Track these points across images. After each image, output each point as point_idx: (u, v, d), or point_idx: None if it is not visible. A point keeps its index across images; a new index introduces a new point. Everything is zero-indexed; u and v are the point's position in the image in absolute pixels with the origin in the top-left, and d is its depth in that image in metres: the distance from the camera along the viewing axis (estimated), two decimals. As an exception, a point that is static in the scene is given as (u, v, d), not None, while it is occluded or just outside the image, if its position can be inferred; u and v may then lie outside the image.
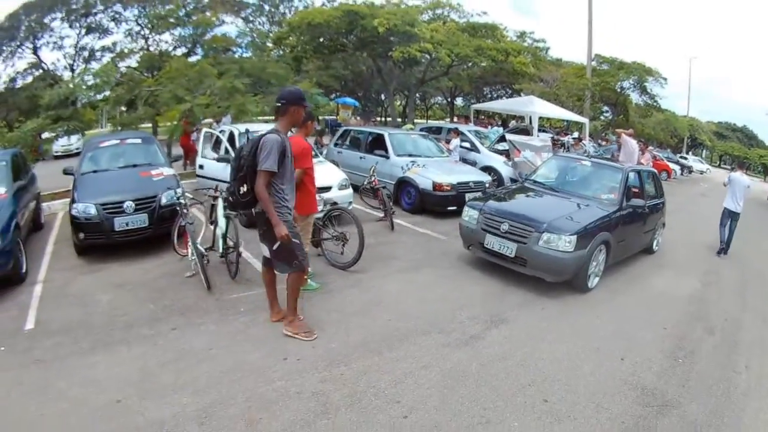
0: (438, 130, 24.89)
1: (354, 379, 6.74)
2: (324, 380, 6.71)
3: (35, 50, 49.94)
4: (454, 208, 14.89)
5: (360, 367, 7.07)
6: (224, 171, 13.74)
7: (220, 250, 10.35)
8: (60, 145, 33.08)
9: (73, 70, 50.39)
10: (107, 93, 23.64)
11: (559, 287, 10.08)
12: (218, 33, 35.16)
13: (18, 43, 49.81)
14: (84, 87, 22.99)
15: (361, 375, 6.85)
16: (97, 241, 11.58)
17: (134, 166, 13.51)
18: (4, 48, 49.71)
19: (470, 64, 39.01)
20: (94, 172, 13.25)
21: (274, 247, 7.39)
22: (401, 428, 5.80)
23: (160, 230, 11.69)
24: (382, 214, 14.36)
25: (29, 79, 51.51)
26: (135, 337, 8.07)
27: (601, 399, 6.61)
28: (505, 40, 41.02)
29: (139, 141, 15.18)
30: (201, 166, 16.06)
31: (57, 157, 34.58)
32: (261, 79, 25.82)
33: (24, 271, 10.99)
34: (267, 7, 48.63)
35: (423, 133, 21.39)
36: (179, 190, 11.54)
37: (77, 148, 36.69)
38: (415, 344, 7.68)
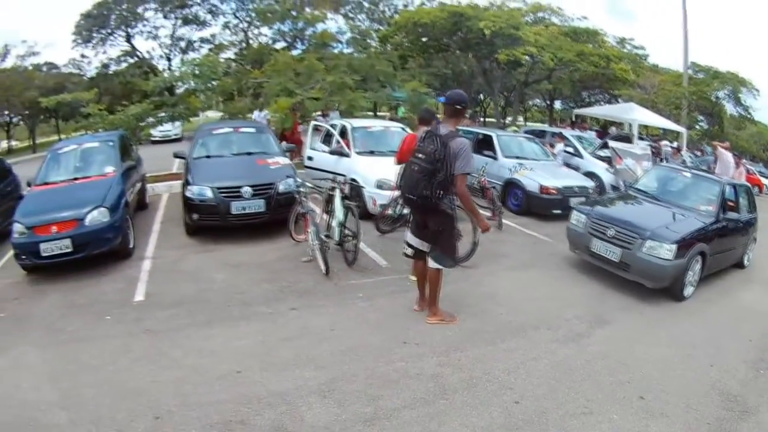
0: (541, 134, 24.87)
1: (470, 365, 7.05)
2: (441, 364, 7.04)
3: (129, 38, 51.42)
4: (559, 211, 14.89)
5: (475, 354, 7.37)
6: (336, 163, 14.40)
7: (337, 238, 10.67)
8: (159, 130, 33.61)
9: (169, 60, 51.79)
10: (214, 82, 24.15)
11: (655, 294, 10.10)
12: (318, 29, 35.60)
13: (109, 31, 51.36)
14: (192, 75, 23.75)
15: (477, 362, 7.15)
16: (211, 223, 12.25)
17: (249, 153, 14.06)
18: (95, 35, 51.29)
19: (572, 68, 38.73)
20: (208, 157, 13.94)
21: (440, 243, 7.86)
22: (513, 412, 6.09)
23: (276, 216, 12.16)
24: (490, 213, 14.64)
25: (123, 65, 53.29)
26: (254, 314, 8.58)
27: (691, 400, 6.74)
28: (606, 46, 40.74)
29: (252, 130, 15.65)
30: (310, 158, 16.46)
31: (155, 142, 35.34)
32: (369, 76, 26.18)
33: (132, 246, 11.79)
34: (366, 5, 49.15)
35: (529, 135, 21.52)
36: (299, 179, 12.01)
37: (176, 134, 38.75)
38: (526, 337, 7.95)
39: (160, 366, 7.17)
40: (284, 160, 13.58)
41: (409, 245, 8.30)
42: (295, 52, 34.30)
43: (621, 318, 9.13)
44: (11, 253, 12.01)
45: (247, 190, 11.97)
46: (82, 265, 10.81)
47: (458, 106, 7.66)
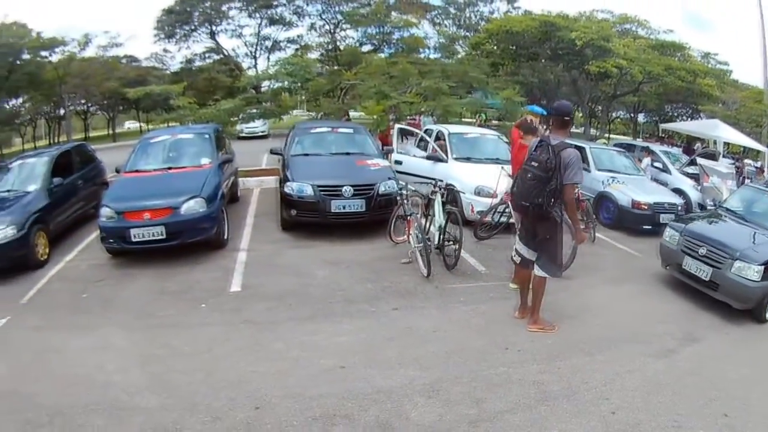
0: (630, 147, 24.60)
1: (569, 374, 7.02)
2: (542, 371, 7.03)
3: (213, 35, 52.12)
4: (649, 227, 14.73)
5: (574, 363, 7.34)
6: (432, 168, 14.27)
7: (436, 242, 10.62)
8: (246, 127, 34.03)
9: (255, 58, 52.37)
10: (309, 82, 24.22)
11: (739, 315, 9.82)
12: (406, 34, 35.64)
13: (192, 27, 52.15)
14: (286, 74, 23.74)
15: (575, 371, 7.12)
16: (310, 220, 12.33)
17: (347, 154, 14.21)
18: (178, 31, 52.15)
19: (659, 82, 38.16)
20: (306, 155, 13.99)
21: (547, 251, 7.94)
22: (610, 422, 6.08)
23: (375, 217, 12.25)
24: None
25: (207, 61, 54.06)
26: (357, 312, 8.59)
27: (771, 419, 6.65)
28: (692, 61, 40.14)
29: (350, 131, 15.71)
30: (398, 162, 16.23)
31: (240, 138, 35.43)
32: (462, 83, 26.06)
33: (226, 237, 12.01)
34: (452, 11, 49.10)
35: (621, 149, 21.24)
36: (401, 182, 12.03)
37: (262, 131, 39.37)
38: (621, 350, 7.87)
39: (261, 357, 7.29)
40: (383, 162, 13.63)
41: (518, 252, 8.29)
42: (381, 56, 34.27)
43: (708, 336, 8.99)
44: (93, 235, 12.60)
45: (348, 190, 12.02)
46: (172, 253, 11.06)
47: (566, 117, 7.86)
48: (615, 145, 23.76)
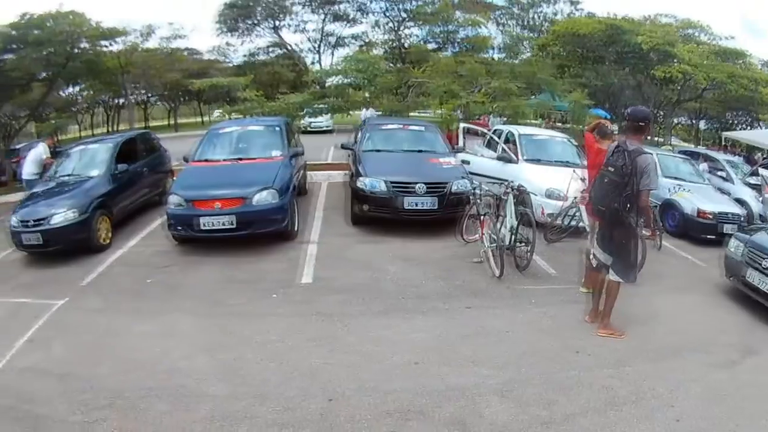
0: (693, 155, 24.23)
1: (637, 380, 6.93)
2: (611, 376, 6.96)
3: (276, 30, 52.37)
4: (712, 237, 14.30)
5: (641, 369, 7.24)
6: (501, 169, 14.14)
7: (507, 242, 10.38)
8: (310, 121, 34.09)
9: (319, 54, 52.59)
10: (377, 79, 24.17)
11: None
12: (470, 33, 35.52)
13: (255, 22, 52.45)
14: (356, 70, 23.77)
15: (642, 377, 7.02)
16: (382, 215, 12.30)
17: (419, 151, 14.23)
18: (240, 24, 52.50)
19: (722, 89, 37.61)
20: (377, 151, 14.02)
21: (623, 255, 7.82)
22: (675, 429, 6.03)
23: (447, 215, 12.06)
24: (649, 232, 14.17)
25: (270, 56, 54.43)
26: (430, 309, 8.50)
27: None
28: (753, 68, 39.56)
29: (421, 128, 15.66)
30: (466, 162, 15.78)
31: (305, 132, 35.64)
32: (531, 84, 25.80)
33: (296, 229, 12.02)
34: (516, 11, 48.87)
35: (685, 156, 20.86)
36: (475, 182, 11.88)
37: (327, 126, 39.27)
38: (685, 359, 7.76)
39: (334, 349, 7.30)
40: (455, 161, 13.57)
41: (595, 256, 8.25)
42: (445, 54, 34.19)
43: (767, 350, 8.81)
44: (157, 222, 12.92)
45: (421, 187, 11.95)
46: (240, 243, 11.23)
47: (641, 123, 7.77)
48: (680, 152, 23.42)
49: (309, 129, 36.67)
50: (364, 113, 26.27)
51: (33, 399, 6.58)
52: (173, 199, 11.15)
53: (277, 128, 14.14)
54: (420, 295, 9.03)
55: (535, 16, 50.77)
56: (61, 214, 11.46)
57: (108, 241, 12.33)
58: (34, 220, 11.59)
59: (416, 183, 11.94)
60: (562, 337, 7.93)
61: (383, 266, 10.34)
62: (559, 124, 32.39)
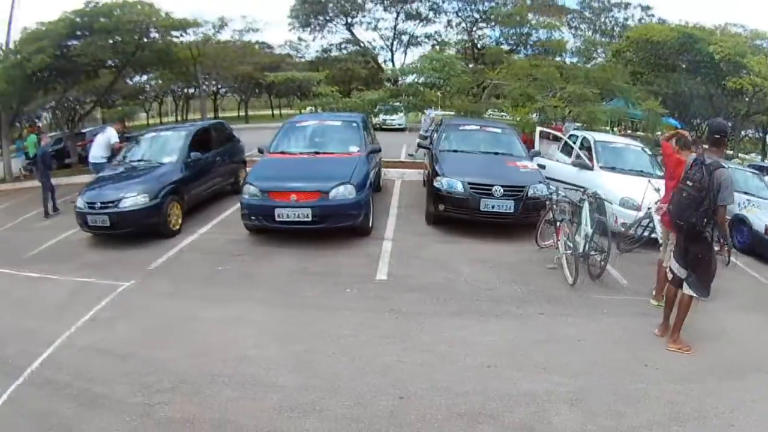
0: (759, 169, 23.68)
1: (701, 397, 6.80)
2: (677, 392, 6.84)
3: (349, 27, 52.53)
4: None
5: (706, 387, 7.10)
6: (577, 175, 14.02)
7: (581, 250, 10.25)
8: (383, 119, 34.11)
9: (392, 52, 52.65)
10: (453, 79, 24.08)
11: None
12: (543, 36, 35.27)
13: (327, 18, 52.66)
14: (432, 69, 23.60)
15: (707, 394, 6.89)
16: (458, 216, 12.22)
17: (496, 153, 14.09)
18: (312, 20, 52.73)
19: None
20: (455, 151, 13.98)
21: (699, 270, 7.71)
22: None
23: (523, 219, 12.06)
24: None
25: (343, 52, 54.67)
26: (504, 313, 8.44)
27: None
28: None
29: (499, 131, 15.53)
30: (542, 166, 15.61)
31: (376, 129, 35.97)
32: (605, 90, 25.47)
33: (371, 225, 12.08)
34: (588, 14, 48.41)
35: (755, 171, 20.39)
36: (552, 187, 11.76)
37: (399, 124, 39.43)
38: (749, 379, 7.51)
39: (407, 347, 7.30)
40: (532, 165, 13.45)
41: (671, 269, 8.14)
42: (518, 56, 33.93)
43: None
44: (229, 211, 13.12)
45: (498, 189, 11.82)
46: (314, 236, 11.41)
47: (719, 135, 7.67)
48: (749, 167, 22.94)
49: (383, 126, 36.56)
50: (428, 114, 26.18)
51: (92, 377, 6.69)
52: (249, 190, 11.26)
53: (356, 124, 14.17)
54: (494, 298, 8.93)
55: (607, 21, 50.27)
56: (132, 198, 11.74)
57: (179, 227, 12.60)
58: (102, 203, 11.90)
59: (494, 185, 11.82)
60: (632, 349, 7.84)
61: (458, 267, 10.27)
62: (633, 132, 31.83)
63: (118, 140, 16.94)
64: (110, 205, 11.81)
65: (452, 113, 25.25)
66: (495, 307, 8.63)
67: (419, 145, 15.50)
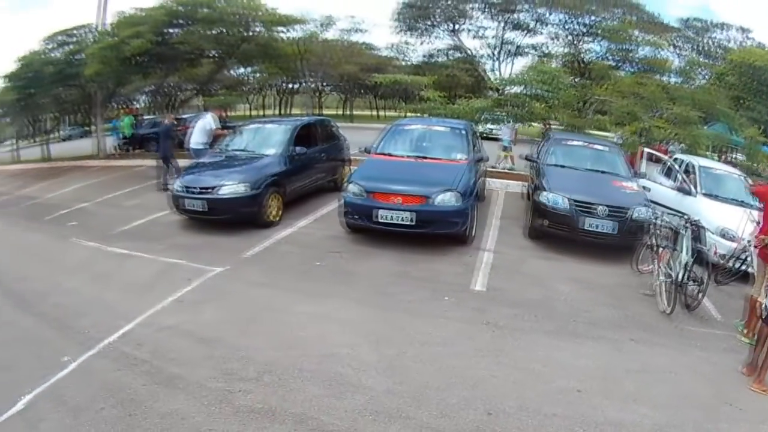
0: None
1: None
2: None
3: (455, 33, 52.42)
4: None
5: None
6: (678, 200, 13.70)
7: (679, 278, 9.79)
8: (486, 127, 33.95)
9: (497, 61, 52.38)
10: (559, 92, 23.80)
11: None
12: (647, 54, 34.68)
13: (433, 23, 52.60)
14: (539, 81, 23.40)
15: None
16: (559, 232, 12.01)
17: (602, 172, 13.83)
18: (418, 24, 52.74)
19: None
20: (561, 166, 13.76)
21: None
22: None
23: (623, 241, 11.71)
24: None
25: (448, 58, 54.67)
26: (599, 337, 8.26)
27: None
28: None
29: (605, 149, 15.33)
30: (646, 188, 15.10)
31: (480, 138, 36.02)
32: (708, 114, 24.89)
33: (472, 235, 12.01)
34: (690, 34, 47.59)
35: None
36: (656, 211, 11.52)
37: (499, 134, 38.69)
38: None
39: (500, 363, 7.16)
40: (637, 186, 13.13)
41: (765, 307, 7.75)
42: (621, 73, 33.38)
43: None
44: (329, 208, 13.32)
45: (602, 209, 11.63)
46: (414, 240, 11.39)
47: None
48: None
49: (489, 135, 36.13)
50: (508, 125, 25.84)
51: (172, 357, 6.85)
52: (352, 188, 11.35)
53: (463, 131, 14.04)
54: (590, 321, 8.77)
55: (709, 41, 49.30)
56: (231, 186, 11.96)
57: (278, 218, 12.88)
58: (200, 188, 12.19)
59: (598, 204, 11.61)
60: (719, 386, 7.54)
61: (556, 285, 10.13)
62: (734, 159, 30.97)
63: (216, 126, 17.32)
64: (209, 190, 12.07)
65: (534, 125, 25.20)
66: (590, 329, 8.48)
67: (526, 158, 15.23)
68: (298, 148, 13.91)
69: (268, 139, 14.49)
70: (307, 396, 6.00)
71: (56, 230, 14.27)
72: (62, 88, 33.58)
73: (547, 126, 26.17)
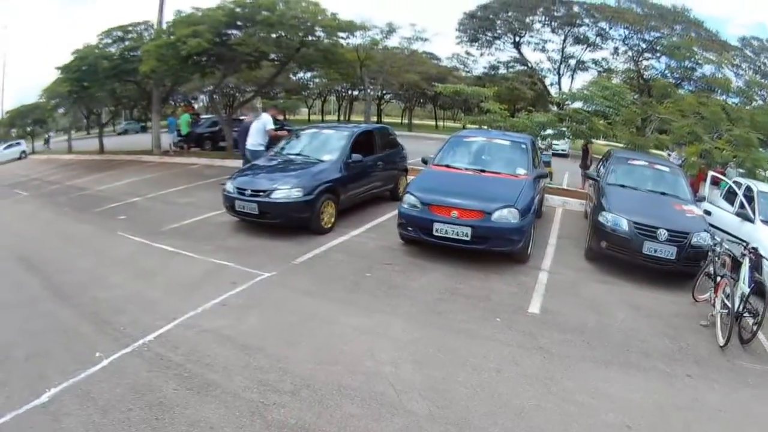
0: None
1: None
2: None
3: (517, 46, 52.38)
4: None
5: None
6: (738, 226, 13.22)
7: (735, 309, 9.39)
8: (550, 143, 33.83)
9: (559, 75, 52.19)
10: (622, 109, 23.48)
11: None
12: (708, 72, 34.34)
13: (496, 35, 52.61)
14: (602, 97, 23.05)
15: None
16: (618, 255, 11.57)
17: (663, 194, 13.34)
18: (480, 36, 52.74)
19: None
20: (622, 186, 13.41)
21: None
22: None
23: (682, 268, 11.24)
24: None
25: (510, 71, 54.89)
26: (652, 369, 7.91)
27: None
28: None
29: (667, 169, 14.87)
30: (708, 212, 14.86)
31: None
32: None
33: (529, 253, 11.73)
34: (749, 53, 46.69)
35: None
36: (717, 237, 11.12)
37: (563, 150, 39.53)
38: None
39: (549, 392, 6.82)
40: (698, 210, 12.72)
41: None
42: (681, 92, 32.93)
43: None
44: (384, 217, 13.38)
45: (663, 233, 11.17)
46: (468, 256, 11.19)
47: None
48: None
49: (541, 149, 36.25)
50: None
51: (208, 363, 6.75)
52: (409, 200, 11.21)
53: (524, 146, 13.74)
54: (644, 351, 8.39)
55: (766, 61, 48.43)
56: (285, 191, 11.91)
57: (330, 225, 12.77)
58: (253, 190, 12.17)
59: (659, 228, 11.16)
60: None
61: (612, 311, 9.78)
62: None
63: (272, 127, 17.31)
64: (261, 193, 12.04)
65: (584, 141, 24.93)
66: (644, 360, 8.07)
67: (588, 176, 15.07)
68: (355, 156, 13.84)
69: (325, 145, 14.43)
70: (344, 415, 5.83)
71: (104, 223, 14.51)
72: (118, 83, 34.62)
73: (587, 144, 25.73)
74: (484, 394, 6.48)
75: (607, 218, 11.57)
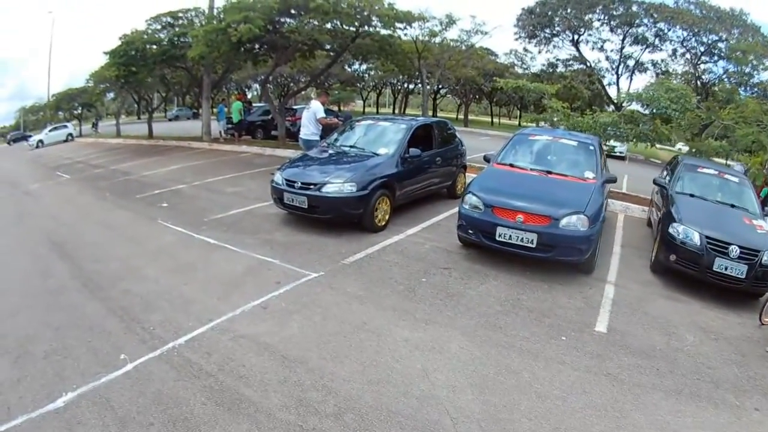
0: None
1: None
2: None
3: (575, 44, 51.76)
4: None
5: None
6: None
7: None
8: (613, 145, 33.29)
9: (617, 75, 51.45)
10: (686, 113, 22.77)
11: None
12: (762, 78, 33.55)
13: (554, 32, 52.09)
14: (666, 99, 22.24)
15: None
16: (686, 270, 10.74)
17: (732, 206, 12.45)
18: (539, 33, 52.26)
19: None
20: (691, 195, 12.59)
21: None
22: None
23: (751, 288, 10.47)
24: None
25: (568, 69, 54.42)
26: (721, 401, 7.15)
27: None
28: None
29: (736, 180, 13.91)
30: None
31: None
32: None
33: (594, 263, 10.96)
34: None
35: None
36: None
37: (620, 152, 38.79)
38: None
39: (617, 426, 6.08)
40: (767, 225, 11.85)
41: None
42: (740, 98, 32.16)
43: None
44: (441, 216, 13.04)
45: (735, 250, 10.32)
46: (530, 263, 10.72)
47: None
48: None
49: (610, 153, 35.52)
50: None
51: (242, 375, 6.26)
52: (471, 200, 10.57)
53: (592, 147, 12.95)
54: (714, 380, 7.64)
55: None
56: (337, 185, 11.41)
57: (384, 223, 12.25)
58: (303, 183, 11.68)
59: (731, 244, 10.37)
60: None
61: (681, 332, 9.00)
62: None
63: (323, 115, 17.01)
64: (311, 187, 11.58)
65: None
66: (713, 391, 7.32)
67: (654, 182, 14.12)
68: (412, 150, 13.29)
69: (381, 138, 13.90)
70: (392, 447, 5.27)
71: (145, 210, 14.23)
72: (168, 68, 35.61)
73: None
74: (548, 427, 5.85)
75: (678, 230, 10.81)
